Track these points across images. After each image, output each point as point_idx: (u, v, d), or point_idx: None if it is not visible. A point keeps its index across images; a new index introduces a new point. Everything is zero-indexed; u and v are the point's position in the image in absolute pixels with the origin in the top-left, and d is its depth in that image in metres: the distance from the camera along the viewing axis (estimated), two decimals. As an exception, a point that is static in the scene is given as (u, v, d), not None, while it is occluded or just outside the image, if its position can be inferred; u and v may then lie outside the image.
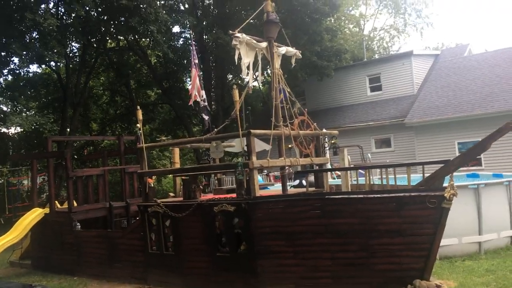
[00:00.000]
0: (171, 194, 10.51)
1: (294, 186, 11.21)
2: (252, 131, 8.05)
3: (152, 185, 9.82)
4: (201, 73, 11.25)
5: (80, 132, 28.46)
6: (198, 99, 10.75)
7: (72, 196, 11.64)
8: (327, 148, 10.11)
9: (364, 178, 9.27)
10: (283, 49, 9.53)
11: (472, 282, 7.93)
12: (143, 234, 9.47)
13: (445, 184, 6.81)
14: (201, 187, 9.59)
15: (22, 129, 22.84)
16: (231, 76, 31.31)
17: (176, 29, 26.33)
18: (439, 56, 27.22)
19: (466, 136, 19.54)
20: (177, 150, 10.36)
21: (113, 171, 18.12)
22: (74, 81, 24.33)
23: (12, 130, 24.03)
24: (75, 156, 18.57)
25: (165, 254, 9.16)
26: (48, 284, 10.27)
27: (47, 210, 12.01)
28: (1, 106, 19.77)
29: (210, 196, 9.73)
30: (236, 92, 8.20)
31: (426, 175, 7.28)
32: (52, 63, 23.82)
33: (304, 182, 10.24)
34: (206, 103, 11.20)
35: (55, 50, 17.69)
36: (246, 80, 9.09)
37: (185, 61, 26.48)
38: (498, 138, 6.58)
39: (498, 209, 10.40)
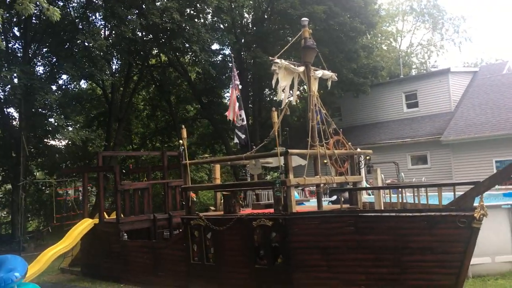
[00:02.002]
0: (212, 208, 11.07)
1: (333, 202, 11.59)
2: (290, 150, 8.53)
3: (194, 199, 10.43)
4: (240, 87, 11.76)
5: (123, 146, 29.68)
6: (235, 118, 11.25)
7: (120, 208, 12.37)
8: (362, 167, 10.44)
9: (396, 195, 9.57)
10: (319, 73, 9.98)
11: (504, 300, 8.11)
12: (186, 245, 9.99)
13: (476, 204, 7.05)
14: (240, 202, 10.11)
15: (70, 143, 24.03)
16: (268, 91, 31.95)
17: (215, 46, 27.26)
18: (477, 73, 26.98)
19: (504, 154, 19.38)
20: (218, 167, 10.90)
21: (153, 184, 18.93)
22: (119, 96, 25.58)
23: (57, 143, 25.27)
24: (123, 170, 19.48)
25: (206, 265, 9.65)
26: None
27: (96, 220, 12.81)
28: (51, 120, 20.94)
29: (248, 210, 10.23)
30: (275, 114, 8.73)
31: (458, 194, 7.53)
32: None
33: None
34: (244, 122, 11.67)
35: (103, 69, 18.79)
36: (281, 98, 9.55)
37: (223, 77, 27.34)
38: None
39: (532, 229, 10.46)
